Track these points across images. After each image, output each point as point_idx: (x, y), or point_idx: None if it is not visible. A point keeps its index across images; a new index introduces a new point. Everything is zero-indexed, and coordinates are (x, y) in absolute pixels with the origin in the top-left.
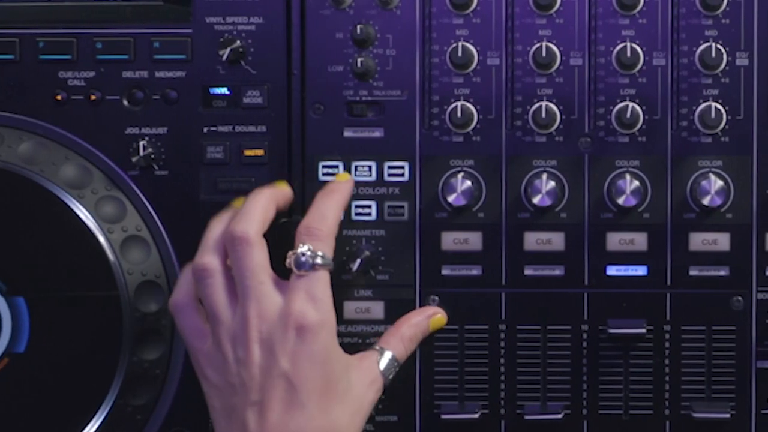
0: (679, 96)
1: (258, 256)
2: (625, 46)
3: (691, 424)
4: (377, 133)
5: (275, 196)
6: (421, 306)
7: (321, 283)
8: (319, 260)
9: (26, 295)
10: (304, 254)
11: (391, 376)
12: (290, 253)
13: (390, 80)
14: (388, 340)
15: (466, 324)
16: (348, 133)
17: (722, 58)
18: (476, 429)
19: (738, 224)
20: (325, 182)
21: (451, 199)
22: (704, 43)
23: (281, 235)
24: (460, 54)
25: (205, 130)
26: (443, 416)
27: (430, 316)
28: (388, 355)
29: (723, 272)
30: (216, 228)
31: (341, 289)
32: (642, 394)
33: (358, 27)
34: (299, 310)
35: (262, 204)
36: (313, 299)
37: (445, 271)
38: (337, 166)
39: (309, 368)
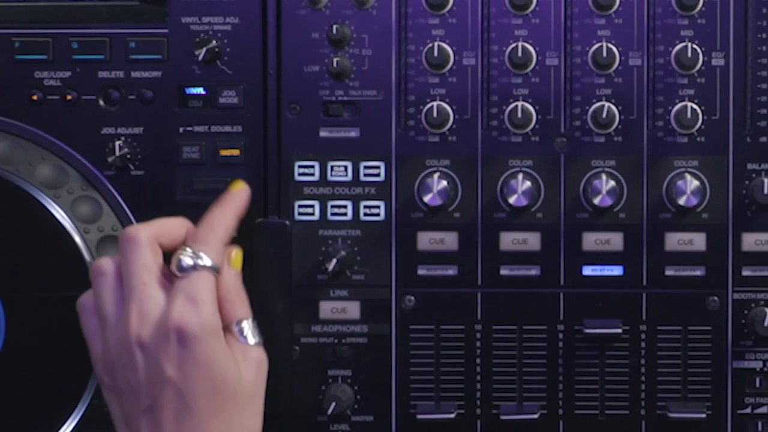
0: (655, 96)
1: (144, 257)
2: (601, 46)
3: (667, 424)
4: (353, 133)
5: (187, 225)
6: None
7: (202, 284)
8: (200, 261)
9: (2, 294)
10: (184, 256)
11: (262, 336)
12: (172, 257)
13: (366, 80)
14: (229, 307)
15: (442, 324)
16: (324, 133)
17: (698, 58)
18: (452, 429)
19: (714, 224)
20: (301, 182)
21: (427, 199)
22: (680, 43)
23: (257, 234)
24: (436, 54)
25: (181, 130)
26: (419, 416)
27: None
28: (246, 324)
29: (699, 272)
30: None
31: (317, 289)
32: (618, 394)
33: (334, 27)
34: (178, 314)
35: (169, 220)
36: (194, 302)
37: (421, 271)
38: (313, 166)
39: (194, 374)
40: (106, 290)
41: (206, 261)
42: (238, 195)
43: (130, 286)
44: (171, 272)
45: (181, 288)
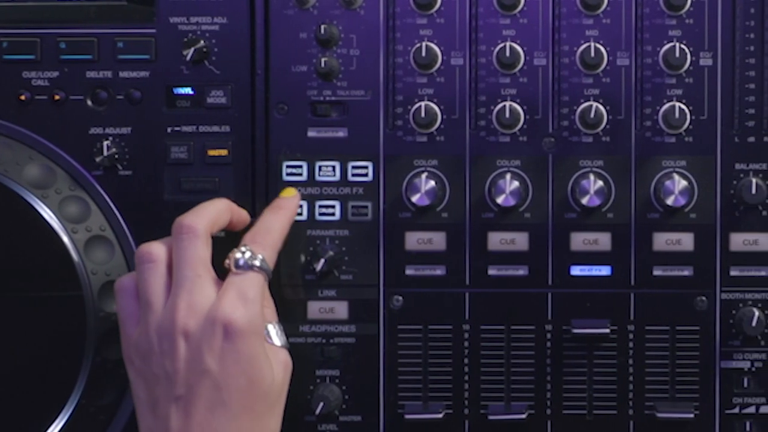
0: (643, 96)
1: (201, 249)
2: (589, 46)
3: (655, 424)
4: (341, 133)
5: (232, 207)
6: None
7: (255, 284)
8: (257, 262)
9: None
10: (243, 254)
11: (287, 339)
12: (230, 253)
13: (354, 80)
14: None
15: (430, 324)
16: (312, 133)
17: (686, 58)
18: (440, 429)
19: (702, 224)
20: (289, 182)
21: (414, 199)
22: (668, 43)
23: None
24: (423, 54)
25: (169, 130)
26: (407, 416)
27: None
28: (272, 327)
29: (687, 272)
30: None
31: (305, 289)
32: (606, 394)
33: (322, 27)
34: (229, 309)
35: (218, 206)
36: (244, 299)
37: (408, 271)
38: (300, 166)
39: (234, 369)
40: (155, 278)
41: (262, 264)
42: (291, 201)
43: (182, 275)
44: (224, 266)
45: (235, 284)
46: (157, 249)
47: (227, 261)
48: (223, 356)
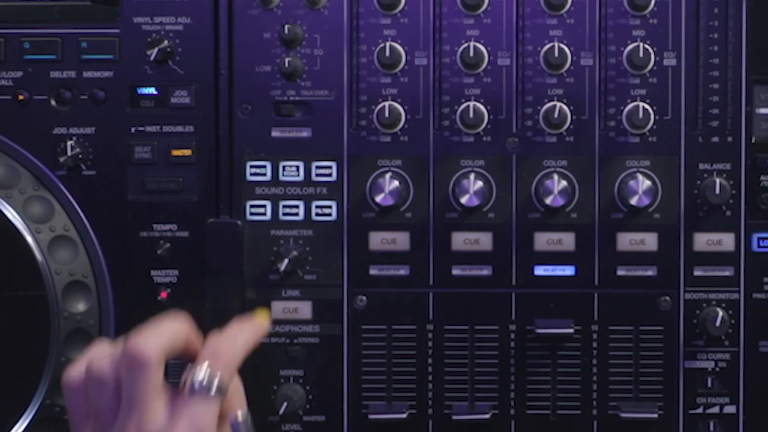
0: (607, 96)
1: (152, 380)
2: (553, 46)
3: (619, 424)
4: (305, 133)
5: (189, 335)
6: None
7: (209, 413)
8: (213, 387)
9: None
10: (201, 375)
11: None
12: (189, 371)
13: (318, 80)
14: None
15: (393, 324)
16: (276, 133)
17: (650, 58)
18: (404, 429)
19: (665, 224)
20: (252, 182)
21: (378, 199)
22: (632, 43)
23: (209, 234)
24: (387, 54)
25: (133, 130)
26: (371, 416)
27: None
28: (241, 416)
29: (651, 272)
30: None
31: (269, 289)
32: (570, 394)
33: (286, 27)
34: None
35: (174, 331)
36: (198, 430)
37: (372, 271)
38: (264, 166)
39: None
40: (104, 398)
41: (219, 387)
42: (261, 324)
43: (132, 404)
44: (176, 385)
45: (189, 414)
46: (105, 369)
47: (184, 378)
48: None
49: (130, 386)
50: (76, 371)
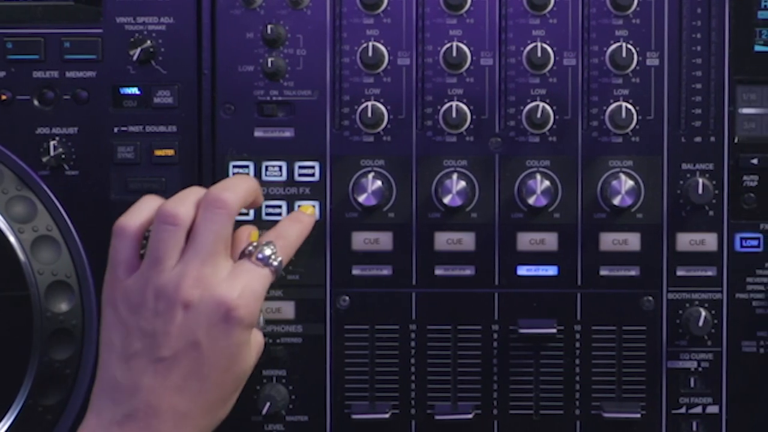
0: (590, 96)
1: (227, 227)
2: (536, 46)
3: (602, 424)
4: (288, 133)
5: (258, 189)
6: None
7: (265, 282)
8: (275, 263)
9: None
10: (269, 249)
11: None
12: (254, 242)
13: (301, 80)
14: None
15: (376, 324)
16: (258, 133)
17: (633, 58)
18: (387, 429)
19: (648, 224)
20: None
21: (361, 199)
22: (615, 43)
23: None
24: (370, 54)
25: (116, 130)
26: (354, 416)
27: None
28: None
29: (633, 272)
30: (194, 190)
31: None
32: (552, 394)
33: (269, 27)
34: (237, 297)
35: (251, 186)
36: (252, 293)
37: (355, 271)
38: (247, 166)
39: (221, 349)
40: (173, 241)
41: (278, 267)
42: (309, 218)
43: (201, 247)
44: (244, 250)
45: (249, 273)
46: (183, 214)
47: (250, 247)
48: (216, 335)
49: (204, 227)
50: (131, 218)
